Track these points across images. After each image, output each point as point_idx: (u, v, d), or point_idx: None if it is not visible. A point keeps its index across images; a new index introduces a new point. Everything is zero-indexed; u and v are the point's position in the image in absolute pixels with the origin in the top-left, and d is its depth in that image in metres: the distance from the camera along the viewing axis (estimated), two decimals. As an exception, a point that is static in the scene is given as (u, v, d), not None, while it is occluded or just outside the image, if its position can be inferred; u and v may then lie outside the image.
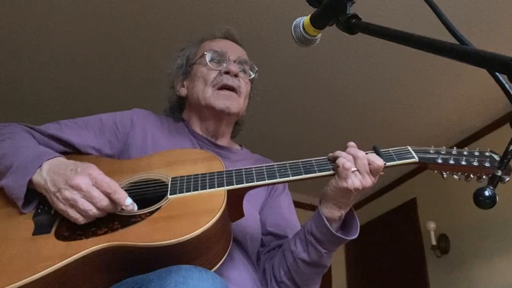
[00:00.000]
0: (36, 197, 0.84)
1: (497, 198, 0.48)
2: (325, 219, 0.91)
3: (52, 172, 0.80)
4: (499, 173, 0.48)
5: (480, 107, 3.03)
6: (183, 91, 1.21)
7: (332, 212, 0.91)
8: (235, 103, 1.13)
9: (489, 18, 2.31)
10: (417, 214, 3.63)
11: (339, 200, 0.90)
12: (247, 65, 1.21)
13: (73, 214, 0.77)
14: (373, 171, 0.87)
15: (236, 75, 1.14)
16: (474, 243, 3.02)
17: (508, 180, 0.81)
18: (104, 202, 0.77)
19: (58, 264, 0.70)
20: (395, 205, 3.93)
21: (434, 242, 3.24)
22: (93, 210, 0.76)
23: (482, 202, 0.48)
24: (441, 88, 2.86)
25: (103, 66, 2.80)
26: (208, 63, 1.15)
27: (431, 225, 3.28)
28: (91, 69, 2.83)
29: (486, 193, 0.48)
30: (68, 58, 2.73)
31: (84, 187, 0.76)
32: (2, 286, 0.67)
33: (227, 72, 1.13)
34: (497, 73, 0.52)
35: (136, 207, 0.80)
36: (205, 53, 1.16)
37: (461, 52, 0.52)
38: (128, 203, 0.78)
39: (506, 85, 0.51)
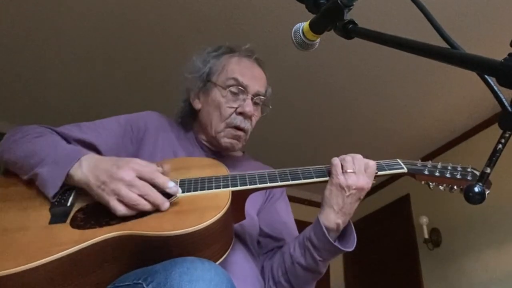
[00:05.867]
0: (61, 190, 0.84)
1: (486, 194, 0.48)
2: (323, 227, 0.92)
3: (92, 168, 0.81)
4: (488, 170, 0.49)
5: (470, 108, 3.03)
6: (197, 105, 1.16)
7: (329, 219, 0.92)
8: (240, 143, 1.13)
9: (480, 23, 2.31)
10: (410, 209, 3.63)
11: (334, 202, 0.92)
12: (263, 102, 1.17)
13: (117, 205, 0.77)
14: (367, 172, 0.93)
15: (250, 117, 1.11)
16: (464, 237, 3.03)
17: (488, 193, 0.82)
18: (148, 188, 0.78)
19: (72, 249, 0.71)
20: (389, 201, 3.93)
21: (426, 236, 3.25)
22: (138, 200, 0.77)
23: (472, 198, 0.48)
24: (433, 90, 2.86)
25: (113, 67, 2.80)
26: (228, 94, 1.09)
27: (424, 220, 3.28)
28: (100, 70, 2.83)
29: (476, 189, 0.48)
30: (76, 59, 2.72)
31: (128, 179, 0.77)
32: (19, 266, 0.68)
33: (241, 113, 1.09)
34: (486, 76, 0.52)
35: (180, 190, 0.82)
36: (227, 81, 1.10)
37: (452, 56, 0.52)
38: (171, 185, 0.80)
39: (494, 87, 0.51)
